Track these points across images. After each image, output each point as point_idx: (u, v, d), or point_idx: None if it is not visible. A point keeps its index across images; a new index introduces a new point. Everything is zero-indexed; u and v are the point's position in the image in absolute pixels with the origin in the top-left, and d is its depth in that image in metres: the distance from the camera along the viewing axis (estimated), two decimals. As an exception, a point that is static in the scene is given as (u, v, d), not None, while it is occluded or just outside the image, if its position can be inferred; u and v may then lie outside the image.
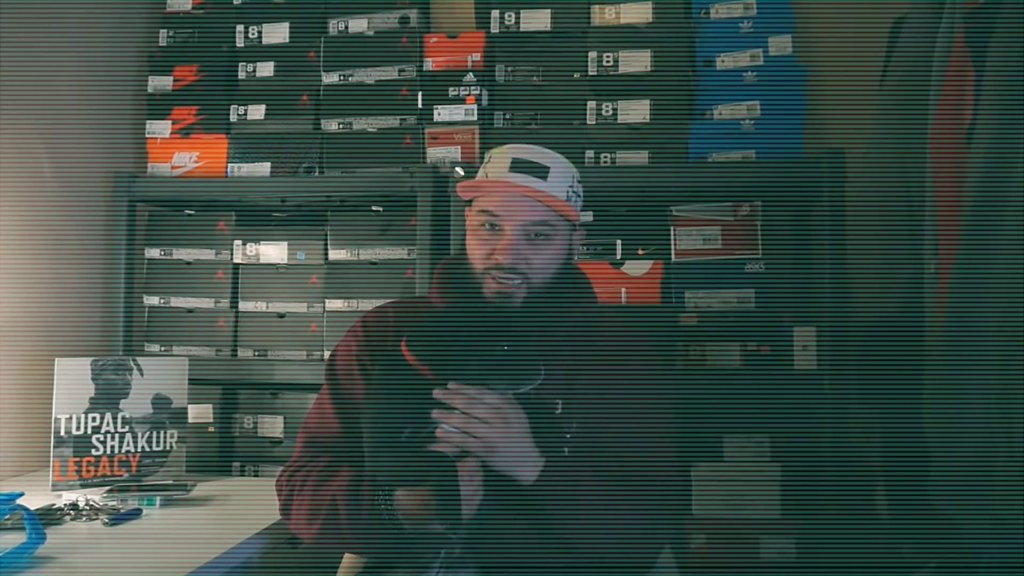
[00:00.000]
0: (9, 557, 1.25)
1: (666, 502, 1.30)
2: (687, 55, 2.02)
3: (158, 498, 1.67)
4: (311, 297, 2.10)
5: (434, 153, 2.08)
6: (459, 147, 2.07)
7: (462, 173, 1.94)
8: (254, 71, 2.21)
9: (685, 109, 2.01)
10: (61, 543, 1.38)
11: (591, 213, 1.95)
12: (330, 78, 2.15)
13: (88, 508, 1.58)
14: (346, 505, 1.22)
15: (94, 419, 1.78)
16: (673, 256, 1.94)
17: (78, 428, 1.76)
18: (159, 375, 1.87)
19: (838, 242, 1.79)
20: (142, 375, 1.84)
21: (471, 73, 2.10)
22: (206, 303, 2.15)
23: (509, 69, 2.09)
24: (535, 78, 2.08)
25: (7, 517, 1.40)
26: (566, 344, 1.33)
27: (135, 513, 1.58)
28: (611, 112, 2.02)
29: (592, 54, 2.04)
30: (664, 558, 1.42)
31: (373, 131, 2.12)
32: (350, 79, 2.14)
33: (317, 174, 2.12)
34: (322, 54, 2.16)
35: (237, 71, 2.22)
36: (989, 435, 1.31)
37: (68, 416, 1.75)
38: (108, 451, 1.78)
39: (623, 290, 1.95)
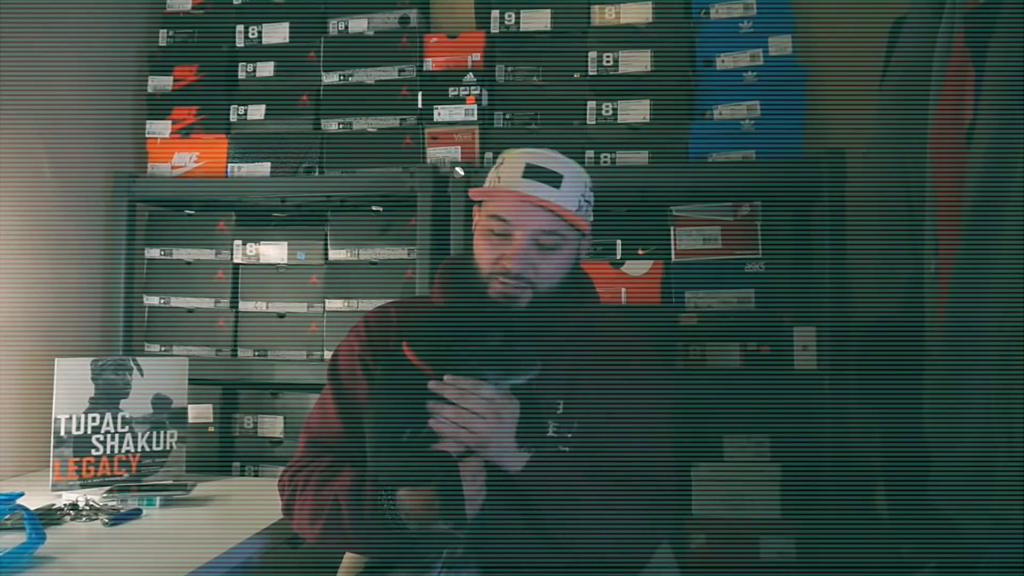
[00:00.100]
0: (9, 557, 1.25)
1: (662, 501, 1.30)
2: (687, 55, 2.02)
3: (158, 498, 1.67)
4: (311, 297, 2.10)
5: (434, 153, 2.08)
6: (459, 147, 2.07)
7: (462, 173, 1.94)
8: (254, 71, 2.21)
9: (685, 109, 2.01)
10: (61, 543, 1.38)
11: (591, 213, 1.95)
12: (330, 78, 2.15)
13: (88, 508, 1.58)
14: (348, 505, 1.22)
15: (94, 419, 1.78)
16: (673, 256, 1.94)
17: (78, 428, 1.76)
18: (159, 375, 1.87)
19: (838, 242, 1.79)
20: (142, 375, 1.84)
21: (471, 73, 2.10)
22: (206, 303, 2.15)
23: (509, 69, 2.09)
24: (535, 78, 2.08)
25: (7, 517, 1.40)
26: (568, 344, 1.33)
27: (135, 513, 1.58)
28: (611, 112, 2.02)
29: (592, 54, 2.04)
30: (664, 558, 1.42)
31: (373, 131, 2.12)
32: (350, 79, 2.14)
33: (317, 174, 2.12)
34: (322, 54, 2.16)
35: (237, 71, 2.22)
36: (989, 435, 1.31)
37: (68, 416, 1.75)
38: (108, 451, 1.78)
39: (623, 290, 1.95)
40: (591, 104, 2.03)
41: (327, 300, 2.08)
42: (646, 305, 1.93)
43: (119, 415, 1.81)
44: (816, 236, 1.95)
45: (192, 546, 1.39)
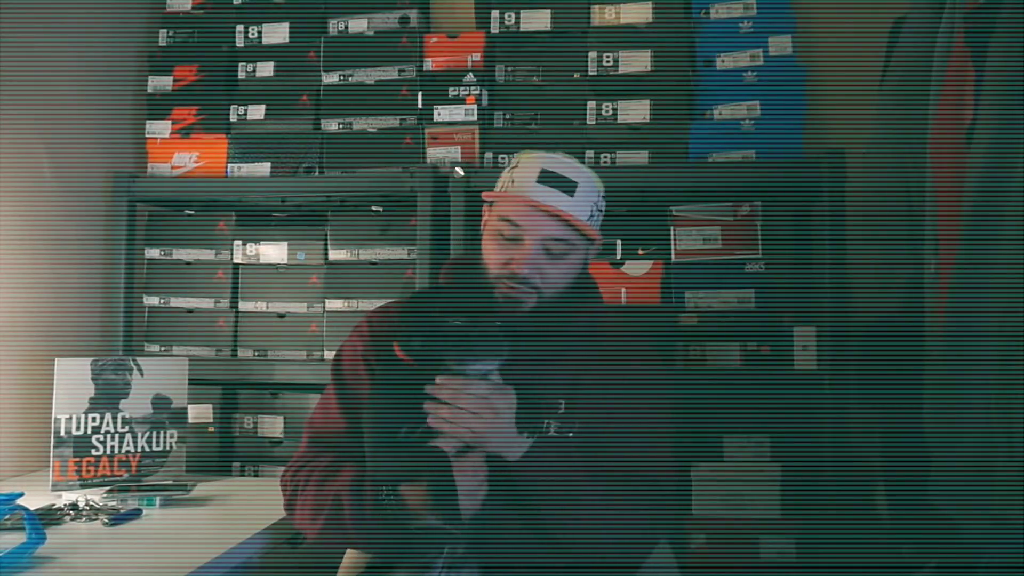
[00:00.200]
0: (9, 557, 1.25)
1: (661, 500, 1.30)
2: (687, 55, 2.02)
3: (158, 498, 1.67)
4: (311, 297, 2.10)
5: (434, 153, 2.08)
6: (459, 147, 2.07)
7: (462, 173, 1.94)
8: (254, 71, 2.21)
9: (685, 109, 2.01)
10: (61, 543, 1.38)
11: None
12: (330, 78, 2.15)
13: (88, 508, 1.58)
14: (349, 502, 1.22)
15: (94, 419, 1.78)
16: (673, 256, 1.94)
17: (78, 428, 1.76)
18: (159, 375, 1.87)
19: (838, 242, 1.79)
20: (142, 375, 1.84)
21: (471, 73, 2.10)
22: (206, 303, 2.15)
23: (509, 69, 2.09)
24: (535, 78, 2.08)
25: (7, 517, 1.40)
26: (570, 345, 1.34)
27: (135, 513, 1.58)
28: (611, 112, 2.02)
29: (592, 54, 2.04)
30: (664, 558, 1.42)
31: (373, 131, 2.12)
32: (350, 79, 2.14)
33: (317, 174, 2.12)
34: (322, 54, 2.16)
35: (237, 71, 2.22)
36: (989, 435, 1.31)
37: (68, 416, 1.75)
38: (108, 451, 1.78)
39: (623, 290, 1.95)
40: (591, 104, 2.03)
41: (327, 300, 2.08)
42: (646, 305, 1.93)
43: (119, 415, 1.81)
44: (816, 236, 1.95)
45: (192, 546, 1.39)
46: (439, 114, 2.09)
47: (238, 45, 2.23)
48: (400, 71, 2.12)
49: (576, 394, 1.31)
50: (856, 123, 1.88)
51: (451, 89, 2.10)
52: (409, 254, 2.04)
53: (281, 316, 2.12)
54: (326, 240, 2.10)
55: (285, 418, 2.09)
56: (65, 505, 1.59)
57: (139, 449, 1.82)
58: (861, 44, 2.04)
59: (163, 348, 2.16)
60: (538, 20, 2.08)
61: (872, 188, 1.78)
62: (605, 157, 2.00)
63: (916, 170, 1.60)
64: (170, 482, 1.79)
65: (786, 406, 1.82)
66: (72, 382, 1.76)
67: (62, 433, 1.74)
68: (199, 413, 2.08)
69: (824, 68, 2.09)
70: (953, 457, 1.37)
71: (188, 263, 2.17)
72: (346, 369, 1.38)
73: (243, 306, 2.13)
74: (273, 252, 2.13)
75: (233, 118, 2.20)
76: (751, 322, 1.89)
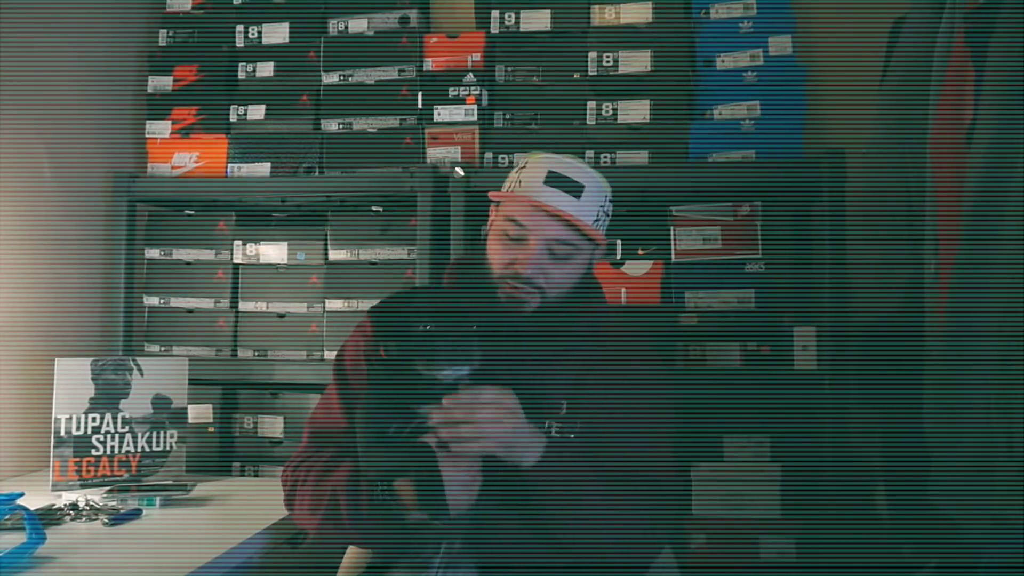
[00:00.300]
0: (9, 557, 1.25)
1: (666, 502, 1.30)
2: (687, 55, 2.02)
3: (158, 498, 1.67)
4: (311, 297, 2.10)
5: (434, 153, 2.08)
6: (459, 147, 2.07)
7: (462, 173, 1.94)
8: (254, 71, 2.21)
9: (685, 109, 2.01)
10: (61, 543, 1.38)
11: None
12: (330, 78, 2.15)
13: (88, 508, 1.58)
14: (346, 497, 1.22)
15: (94, 419, 1.78)
16: (673, 256, 1.94)
17: (78, 428, 1.76)
18: (159, 375, 1.87)
19: (838, 242, 1.79)
20: (142, 375, 1.84)
21: (471, 73, 2.10)
22: (206, 303, 2.15)
23: (509, 69, 2.09)
24: (535, 78, 2.08)
25: (7, 517, 1.40)
26: (573, 346, 1.34)
27: (135, 513, 1.58)
28: (611, 112, 2.02)
29: (592, 54, 2.04)
30: (664, 558, 1.42)
31: (373, 131, 2.12)
32: (350, 79, 2.14)
33: (317, 174, 2.12)
34: (322, 54, 2.16)
35: (237, 71, 2.22)
36: (989, 435, 1.31)
37: (68, 416, 1.75)
38: (108, 451, 1.78)
39: (623, 290, 1.95)
40: (591, 104, 2.03)
41: (327, 300, 2.08)
42: (646, 305, 1.93)
43: (119, 415, 1.81)
44: (816, 236, 1.95)
45: (192, 546, 1.39)
46: (439, 114, 2.09)
47: (238, 45, 2.23)
48: (400, 71, 2.12)
49: (579, 395, 1.31)
50: (856, 123, 1.88)
51: (451, 89, 2.10)
52: (409, 254, 2.04)
53: (281, 316, 2.12)
54: (326, 240, 2.10)
55: (285, 418, 2.09)
56: (65, 505, 1.59)
57: (139, 449, 1.82)
58: (861, 44, 2.04)
59: (163, 348, 2.16)
60: (538, 20, 2.08)
61: (872, 188, 1.78)
62: (605, 157, 2.00)
63: (916, 170, 1.60)
64: (170, 482, 1.79)
65: (786, 406, 1.82)
66: (72, 382, 1.76)
67: (62, 433, 1.74)
68: (199, 413, 2.08)
69: (824, 68, 2.09)
70: (953, 457, 1.37)
71: (188, 263, 2.17)
72: (347, 367, 1.39)
73: (243, 306, 2.13)
74: (273, 252, 2.13)
75: (233, 118, 2.20)
76: (751, 322, 1.89)
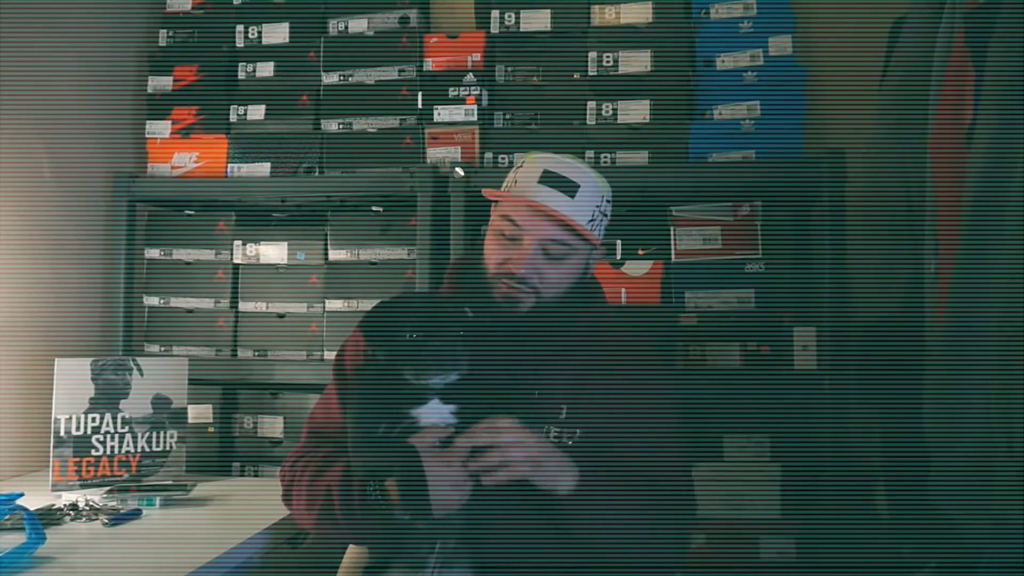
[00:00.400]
0: (9, 557, 1.25)
1: (686, 497, 1.31)
2: (687, 55, 2.02)
3: (158, 498, 1.67)
4: (311, 297, 2.10)
5: (434, 153, 2.08)
6: (459, 147, 2.07)
7: (462, 173, 1.94)
8: (254, 71, 2.21)
9: (685, 109, 2.01)
10: (61, 543, 1.38)
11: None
12: (330, 78, 2.15)
13: (88, 508, 1.58)
14: (340, 495, 1.22)
15: (94, 419, 1.78)
16: (673, 256, 1.94)
17: (78, 428, 1.76)
18: (159, 375, 1.86)
19: (838, 242, 1.79)
20: (142, 375, 1.84)
21: (471, 73, 2.10)
22: (206, 303, 2.15)
23: (509, 69, 2.09)
24: (535, 78, 2.08)
25: (7, 517, 1.40)
26: (572, 347, 1.33)
27: (135, 513, 1.58)
28: (611, 112, 2.02)
29: (592, 54, 2.04)
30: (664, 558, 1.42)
31: (373, 131, 2.12)
32: (350, 79, 2.14)
33: (317, 174, 2.12)
34: (322, 54, 2.16)
35: (237, 71, 2.22)
36: (989, 435, 1.31)
37: (68, 416, 1.75)
38: (108, 451, 1.78)
39: (623, 290, 1.95)
40: (591, 104, 2.03)
41: (327, 300, 2.08)
42: (646, 305, 1.93)
43: (119, 415, 1.81)
44: (816, 236, 1.95)
45: (192, 546, 1.39)
46: (439, 114, 2.09)
47: (238, 45, 2.23)
48: (400, 71, 2.12)
49: (580, 397, 1.30)
50: (856, 123, 1.89)
51: (451, 89, 2.10)
52: (409, 254, 2.04)
53: (281, 316, 2.12)
54: (326, 240, 2.10)
55: (285, 418, 2.09)
56: (65, 505, 1.59)
57: (139, 449, 1.82)
58: (861, 44, 2.04)
59: (163, 348, 2.16)
60: (538, 20, 2.08)
61: (872, 188, 1.78)
62: (605, 157, 2.00)
63: (916, 170, 1.60)
64: (170, 482, 1.79)
65: (786, 406, 1.82)
66: (72, 382, 1.76)
67: (62, 433, 1.74)
68: (199, 413, 2.08)
69: (824, 68, 2.09)
70: (953, 457, 1.37)
71: (188, 263, 2.17)
72: (347, 366, 1.39)
73: (243, 306, 2.14)
74: (273, 252, 2.13)
75: (233, 118, 2.20)
76: (751, 322, 1.89)
